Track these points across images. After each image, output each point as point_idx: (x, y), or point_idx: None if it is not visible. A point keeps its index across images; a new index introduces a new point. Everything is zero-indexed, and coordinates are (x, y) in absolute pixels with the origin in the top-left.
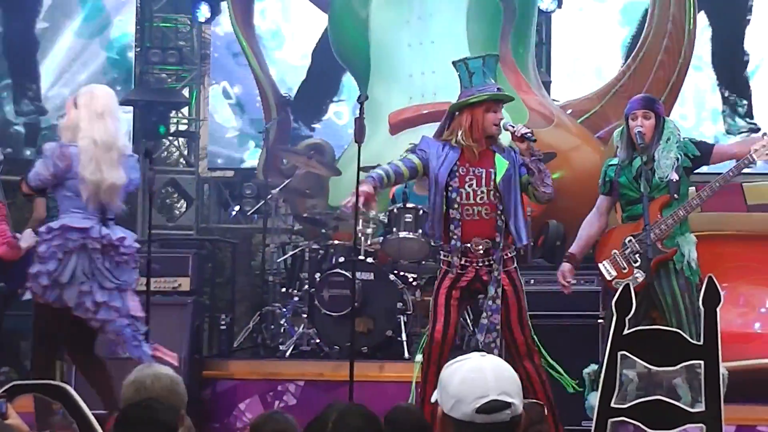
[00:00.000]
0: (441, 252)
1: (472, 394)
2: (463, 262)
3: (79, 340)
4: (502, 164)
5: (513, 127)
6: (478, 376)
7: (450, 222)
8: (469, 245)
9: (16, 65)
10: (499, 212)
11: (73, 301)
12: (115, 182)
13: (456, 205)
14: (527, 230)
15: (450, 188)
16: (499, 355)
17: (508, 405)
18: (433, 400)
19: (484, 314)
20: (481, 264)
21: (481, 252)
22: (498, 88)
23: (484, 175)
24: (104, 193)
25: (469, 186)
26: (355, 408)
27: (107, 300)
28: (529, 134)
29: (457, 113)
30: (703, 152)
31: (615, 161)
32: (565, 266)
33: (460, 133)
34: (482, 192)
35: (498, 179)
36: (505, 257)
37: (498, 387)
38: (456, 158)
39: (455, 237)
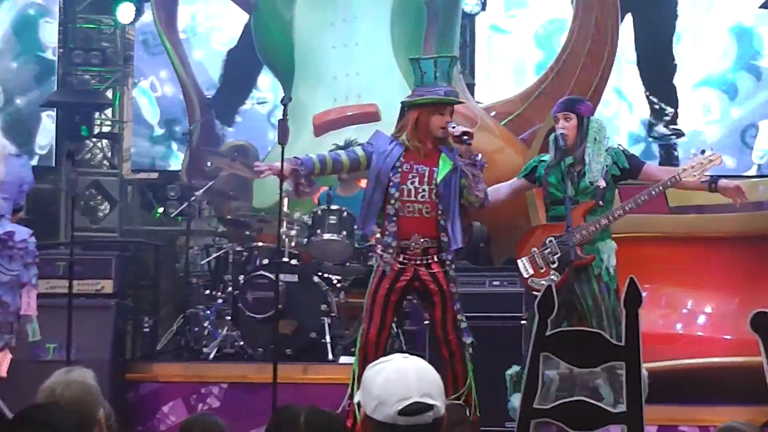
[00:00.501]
0: (378, 247)
1: (394, 395)
2: (401, 260)
3: None
4: (446, 164)
5: (454, 127)
6: (401, 377)
7: (385, 218)
8: (407, 242)
9: None
10: (440, 212)
11: None
12: None
13: (393, 201)
14: (464, 233)
15: (391, 183)
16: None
17: (431, 407)
18: (355, 401)
19: (460, 316)
20: (420, 262)
21: (419, 251)
22: (448, 91)
23: (427, 174)
24: None
25: (411, 183)
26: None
27: (0, 294)
28: (466, 137)
29: (406, 111)
30: (633, 167)
31: (547, 157)
32: None
33: (405, 132)
34: (424, 190)
35: (439, 179)
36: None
37: (420, 389)
38: (400, 154)
39: (389, 233)
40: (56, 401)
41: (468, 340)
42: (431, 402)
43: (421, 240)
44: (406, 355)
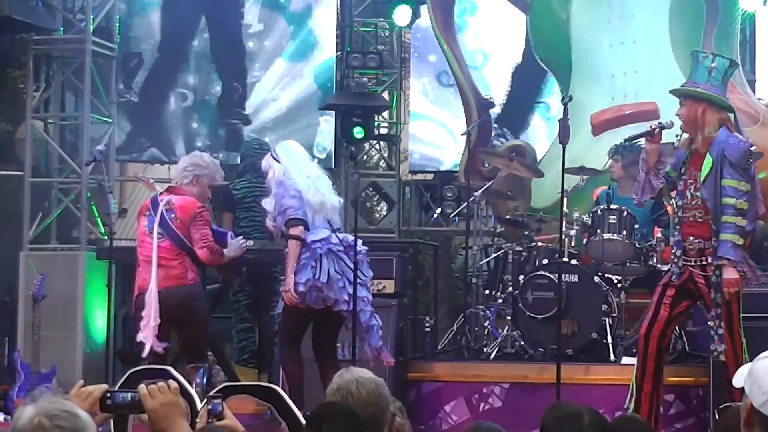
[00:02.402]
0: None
1: None
2: (681, 262)
3: (325, 343)
4: (707, 164)
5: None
6: None
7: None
8: (685, 244)
9: (226, 71)
10: (710, 216)
11: (333, 297)
12: (334, 204)
13: (677, 208)
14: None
15: (676, 189)
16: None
17: None
18: (737, 385)
19: (713, 324)
20: (694, 263)
21: (695, 251)
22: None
23: (695, 178)
24: (329, 212)
25: (688, 190)
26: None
27: (360, 294)
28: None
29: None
30: None
31: None
32: None
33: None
34: (697, 195)
35: (701, 180)
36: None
37: None
38: (684, 158)
39: (673, 241)
40: (356, 401)
41: (714, 348)
42: None
43: (696, 241)
44: None
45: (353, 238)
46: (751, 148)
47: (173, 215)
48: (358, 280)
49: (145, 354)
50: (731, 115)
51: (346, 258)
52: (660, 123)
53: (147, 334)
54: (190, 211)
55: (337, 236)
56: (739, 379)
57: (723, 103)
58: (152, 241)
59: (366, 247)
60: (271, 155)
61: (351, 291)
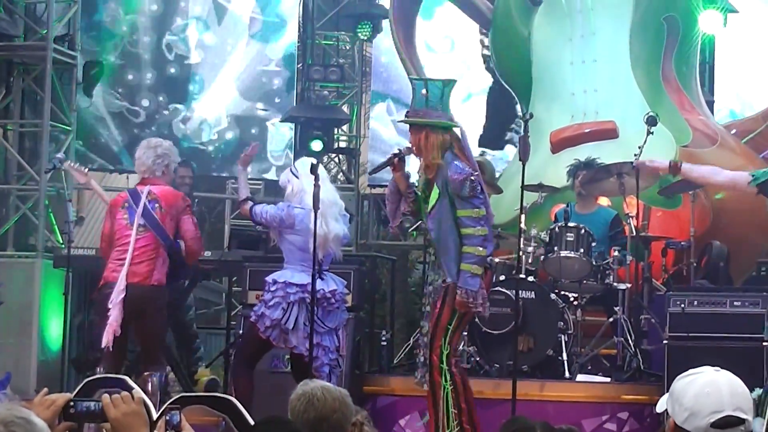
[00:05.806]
0: None
1: (706, 408)
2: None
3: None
4: (434, 195)
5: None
6: (714, 391)
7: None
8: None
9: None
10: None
11: (295, 343)
12: (338, 234)
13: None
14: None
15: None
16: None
17: (743, 421)
18: (660, 409)
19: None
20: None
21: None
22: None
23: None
24: (331, 243)
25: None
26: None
27: (320, 341)
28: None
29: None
30: None
31: None
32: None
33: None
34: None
35: (428, 210)
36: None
37: (733, 403)
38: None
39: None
40: (323, 406)
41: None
42: (743, 416)
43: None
44: (717, 368)
45: (342, 289)
46: (470, 175)
47: (157, 205)
48: (320, 329)
49: (103, 344)
50: (458, 131)
51: (319, 311)
52: (399, 150)
53: (110, 323)
54: (177, 201)
55: (320, 281)
56: (661, 404)
57: (444, 125)
58: (133, 234)
59: (346, 291)
60: (291, 170)
61: (314, 341)
